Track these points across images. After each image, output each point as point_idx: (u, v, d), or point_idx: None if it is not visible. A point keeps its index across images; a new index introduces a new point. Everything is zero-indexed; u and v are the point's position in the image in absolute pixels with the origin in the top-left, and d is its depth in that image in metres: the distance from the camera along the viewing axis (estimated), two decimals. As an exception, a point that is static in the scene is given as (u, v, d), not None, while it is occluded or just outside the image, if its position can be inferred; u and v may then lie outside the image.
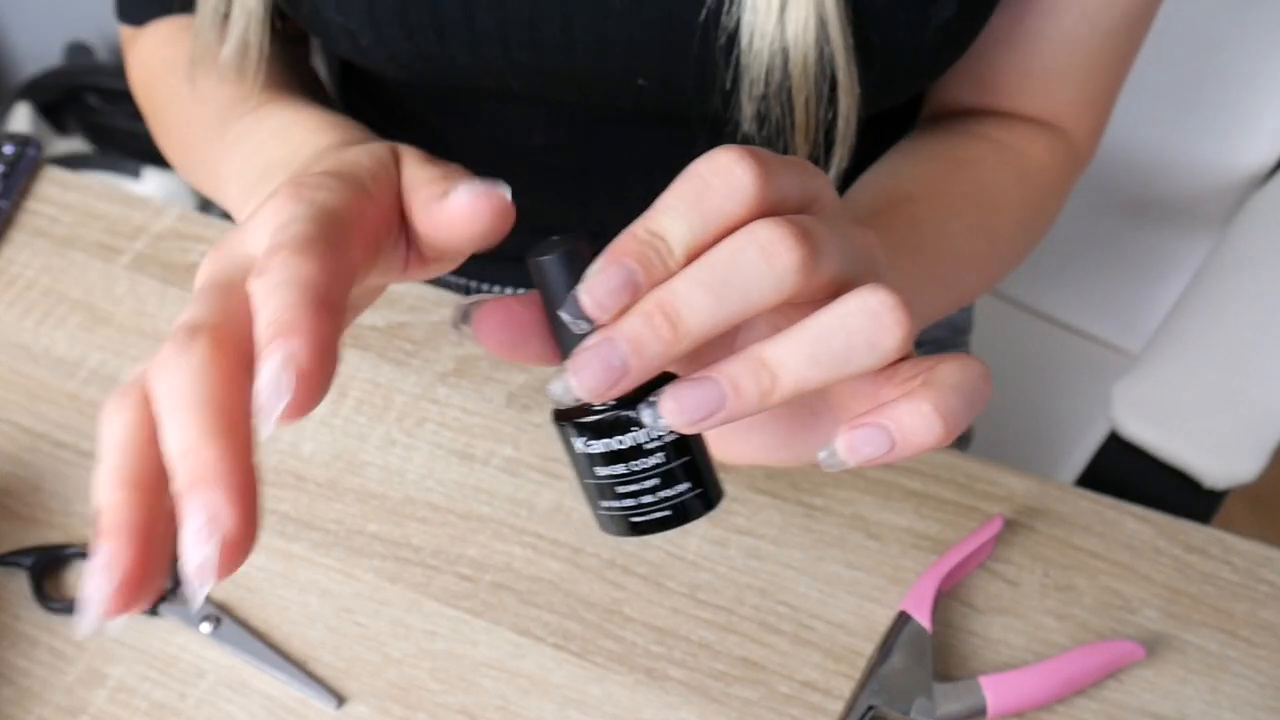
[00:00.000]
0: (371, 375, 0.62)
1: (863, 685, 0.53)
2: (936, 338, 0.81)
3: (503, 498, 0.59)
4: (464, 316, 0.35)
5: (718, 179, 0.32)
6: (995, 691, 0.52)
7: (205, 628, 0.54)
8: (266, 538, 0.57)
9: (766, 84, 0.50)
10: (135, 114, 1.46)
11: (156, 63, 0.62)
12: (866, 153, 0.67)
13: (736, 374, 0.32)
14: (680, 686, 0.54)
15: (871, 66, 0.52)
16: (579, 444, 0.35)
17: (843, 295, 0.32)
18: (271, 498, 0.58)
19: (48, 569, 0.56)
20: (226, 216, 1.05)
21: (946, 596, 0.56)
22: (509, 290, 0.73)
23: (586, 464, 0.36)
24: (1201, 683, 0.54)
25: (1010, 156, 0.60)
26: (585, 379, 0.32)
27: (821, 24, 0.48)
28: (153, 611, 0.54)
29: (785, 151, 0.53)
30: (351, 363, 0.63)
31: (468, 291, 0.74)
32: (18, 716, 0.52)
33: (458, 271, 0.74)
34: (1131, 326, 1.01)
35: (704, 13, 0.50)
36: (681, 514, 0.36)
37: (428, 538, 0.57)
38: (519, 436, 0.61)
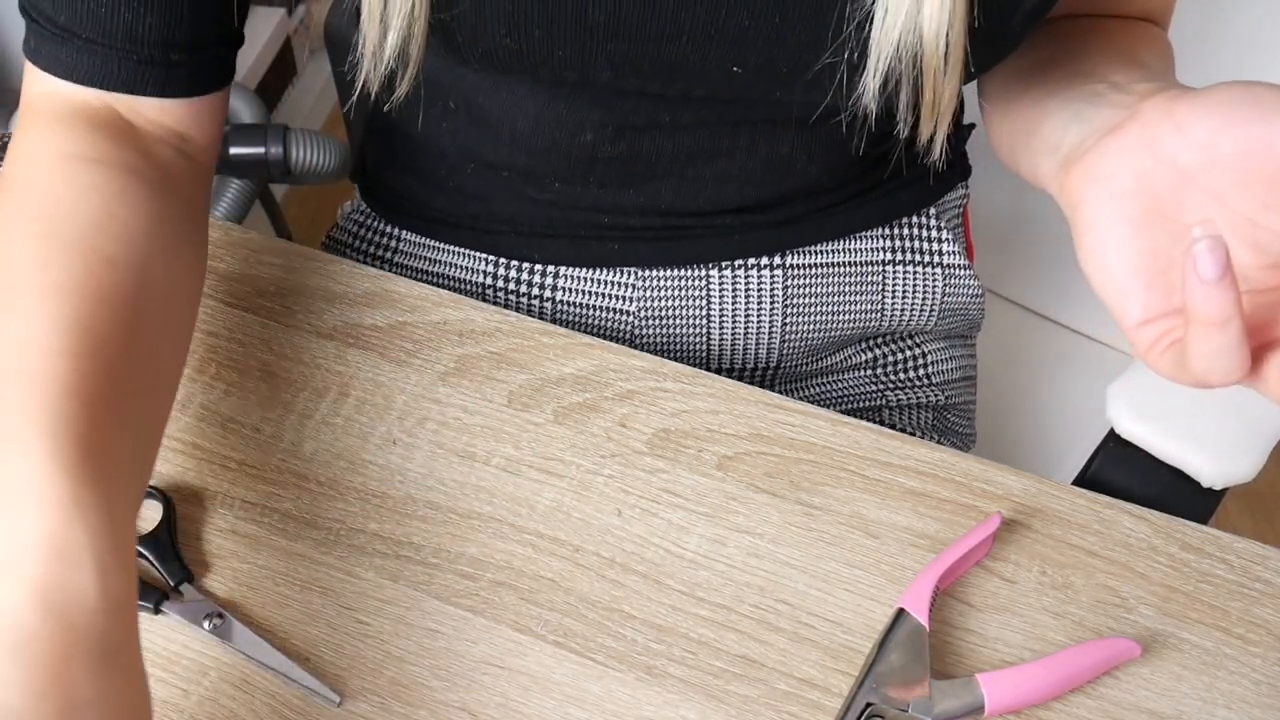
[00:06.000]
0: (372, 375, 0.63)
1: (861, 682, 0.53)
2: (949, 330, 0.80)
3: (503, 496, 0.59)
4: None
5: None
6: (993, 689, 0.52)
7: (207, 625, 0.54)
8: (268, 536, 0.57)
9: (897, 62, 0.51)
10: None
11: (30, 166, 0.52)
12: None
13: None
14: (679, 684, 0.54)
15: (979, 38, 0.53)
16: None
17: None
18: (273, 496, 0.59)
19: (51, 567, 0.56)
20: (226, 218, 1.06)
21: (944, 594, 0.57)
22: (550, 268, 0.72)
23: None
24: (1197, 680, 0.55)
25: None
26: None
27: (954, 3, 0.49)
28: (156, 610, 0.55)
29: (905, 127, 0.54)
30: (352, 362, 0.63)
31: (496, 269, 0.73)
32: (21, 714, 0.53)
33: (485, 248, 0.73)
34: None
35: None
36: None
37: (428, 536, 0.58)
38: (519, 436, 0.61)
